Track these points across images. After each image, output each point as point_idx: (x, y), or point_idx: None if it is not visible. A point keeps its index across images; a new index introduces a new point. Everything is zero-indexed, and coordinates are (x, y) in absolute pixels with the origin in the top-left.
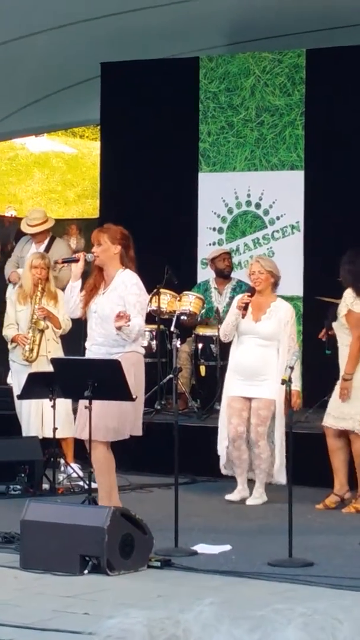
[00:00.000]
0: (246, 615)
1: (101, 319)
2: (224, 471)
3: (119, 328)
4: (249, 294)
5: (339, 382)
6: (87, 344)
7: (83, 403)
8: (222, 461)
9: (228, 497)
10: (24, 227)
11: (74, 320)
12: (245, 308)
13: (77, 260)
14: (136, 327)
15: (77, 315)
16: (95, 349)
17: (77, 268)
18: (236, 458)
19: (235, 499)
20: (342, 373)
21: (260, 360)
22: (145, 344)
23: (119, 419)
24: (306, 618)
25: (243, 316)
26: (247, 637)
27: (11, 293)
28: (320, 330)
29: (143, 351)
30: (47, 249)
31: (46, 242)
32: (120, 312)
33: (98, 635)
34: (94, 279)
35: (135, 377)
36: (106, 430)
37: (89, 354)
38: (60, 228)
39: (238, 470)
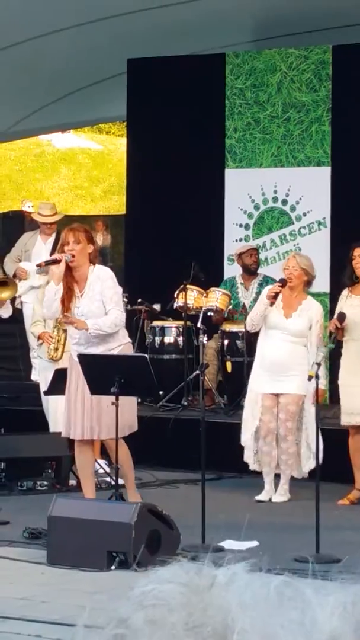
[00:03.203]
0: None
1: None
2: (252, 466)
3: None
4: (280, 284)
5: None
6: (74, 346)
7: (77, 402)
8: (247, 452)
9: (258, 497)
10: (36, 217)
11: None
12: (275, 297)
13: (59, 262)
14: (115, 319)
15: (57, 317)
16: (92, 349)
17: (60, 269)
18: (266, 453)
19: (264, 498)
20: None
21: (289, 356)
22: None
23: (131, 413)
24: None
25: (272, 304)
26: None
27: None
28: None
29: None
30: (54, 244)
31: (53, 235)
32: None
33: (131, 600)
34: (66, 280)
35: None
36: (123, 427)
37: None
38: (86, 224)
39: (266, 469)
